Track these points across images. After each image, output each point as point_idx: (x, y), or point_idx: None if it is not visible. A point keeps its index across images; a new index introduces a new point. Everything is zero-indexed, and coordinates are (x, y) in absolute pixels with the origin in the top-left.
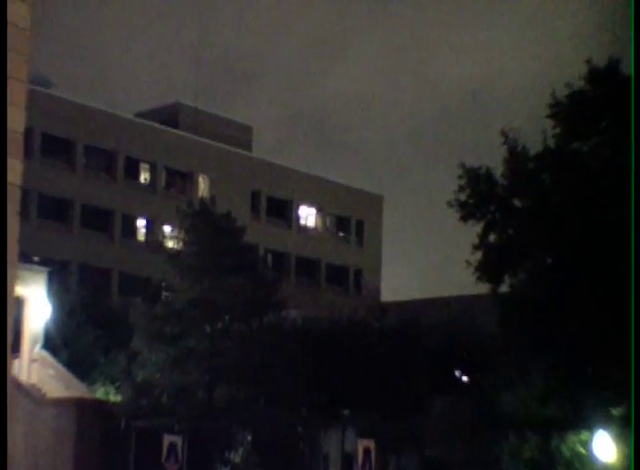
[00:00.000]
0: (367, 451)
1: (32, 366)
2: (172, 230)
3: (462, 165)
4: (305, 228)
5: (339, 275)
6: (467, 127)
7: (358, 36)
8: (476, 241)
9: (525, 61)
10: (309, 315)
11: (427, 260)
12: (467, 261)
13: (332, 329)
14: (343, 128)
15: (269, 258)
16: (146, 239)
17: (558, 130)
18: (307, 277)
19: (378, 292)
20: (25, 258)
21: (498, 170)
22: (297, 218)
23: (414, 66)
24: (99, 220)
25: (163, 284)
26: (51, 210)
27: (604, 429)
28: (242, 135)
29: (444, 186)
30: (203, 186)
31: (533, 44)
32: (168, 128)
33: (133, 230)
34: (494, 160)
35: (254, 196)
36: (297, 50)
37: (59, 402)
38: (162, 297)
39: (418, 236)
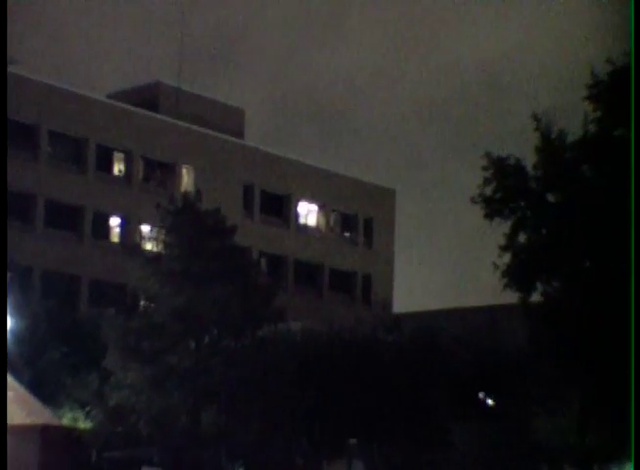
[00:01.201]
0: None
1: None
2: (151, 230)
3: (487, 155)
4: (306, 228)
5: (344, 282)
6: (488, 111)
7: (357, 5)
8: (503, 242)
9: (554, 34)
10: (310, 329)
11: (446, 265)
12: (494, 265)
13: (336, 345)
14: (346, 112)
15: (264, 262)
16: (120, 240)
17: (599, 114)
18: (308, 284)
19: (390, 301)
20: None
21: (529, 161)
22: (297, 216)
23: (424, 39)
24: (66, 219)
25: (141, 293)
26: (10, 206)
27: None
28: (232, 120)
29: (466, 179)
30: (187, 179)
31: (563, 15)
32: (147, 112)
33: (106, 230)
34: (523, 148)
35: (247, 190)
36: (289, 21)
37: (20, 430)
38: (140, 307)
39: (436, 236)
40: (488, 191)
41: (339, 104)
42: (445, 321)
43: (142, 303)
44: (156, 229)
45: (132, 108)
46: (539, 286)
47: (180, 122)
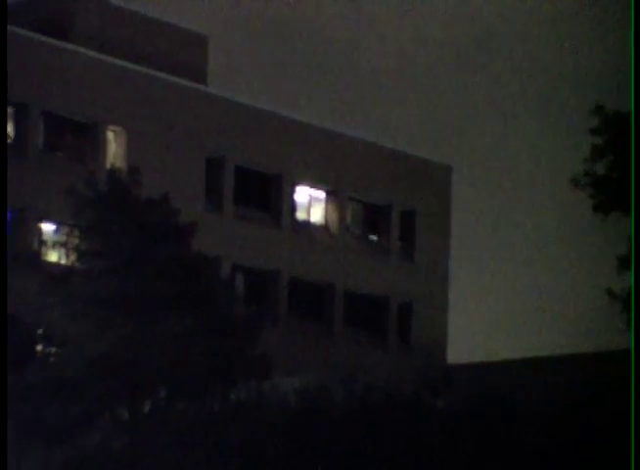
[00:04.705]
0: None
1: None
2: (58, 230)
3: (599, 110)
4: (307, 227)
5: (369, 313)
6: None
7: None
8: (624, 251)
9: None
10: (313, 388)
11: (530, 287)
12: (608, 293)
13: (355, 416)
14: (351, 52)
15: (240, 280)
16: (8, 247)
17: None
18: (311, 317)
19: (441, 344)
20: None
21: None
22: (292, 208)
23: None
24: None
25: (41, 331)
26: None
27: None
28: (189, 54)
29: (560, 147)
30: (115, 148)
31: None
32: (51, 39)
33: None
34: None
35: (213, 167)
36: None
37: None
38: (39, 354)
39: (515, 240)
40: (601, 168)
41: (337, 38)
42: (527, 377)
43: (42, 347)
44: (65, 229)
45: (26, 33)
46: None
47: (105, 57)
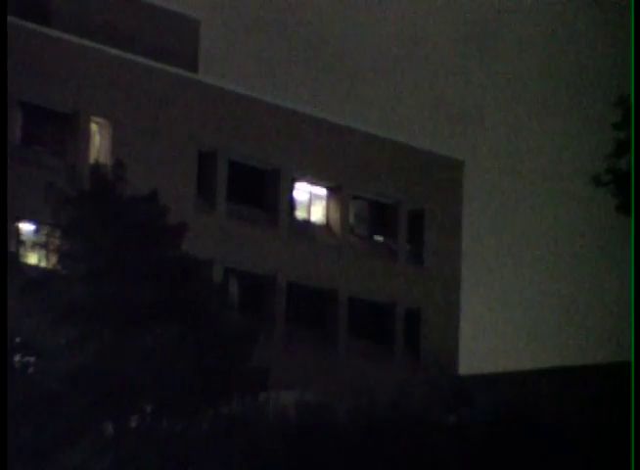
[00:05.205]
0: None
1: None
2: (37, 231)
3: (622, 101)
4: (307, 227)
5: (374, 320)
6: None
7: None
8: None
9: None
10: (313, 401)
11: (546, 290)
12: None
13: (358, 430)
14: (356, 36)
15: (234, 286)
16: None
17: None
18: (311, 325)
19: (453, 356)
20: None
21: None
22: (291, 206)
23: None
24: None
25: (17, 340)
26: None
27: None
28: (179, 39)
29: (581, 142)
30: (98, 141)
31: None
32: (29, 24)
33: None
34: None
35: (205, 161)
36: None
37: None
38: (15, 365)
39: (533, 241)
40: (625, 165)
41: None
42: (551, 390)
43: (18, 359)
44: (45, 229)
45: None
46: None
47: (87, 42)
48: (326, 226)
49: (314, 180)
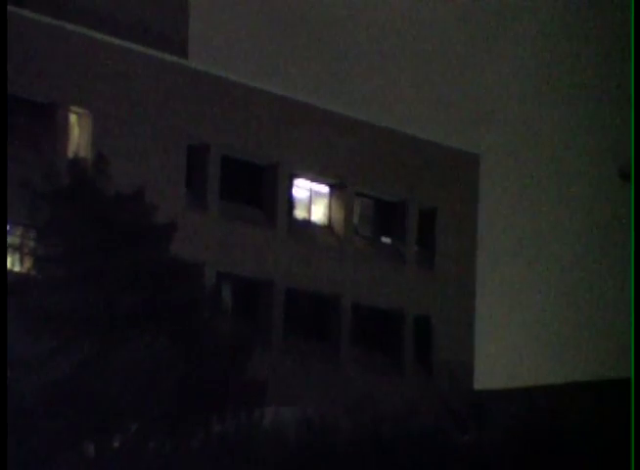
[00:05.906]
0: None
1: None
2: (10, 232)
3: None
4: (307, 227)
5: (380, 329)
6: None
7: None
8: None
9: None
10: (315, 417)
11: (567, 300)
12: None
13: (363, 448)
14: (362, 21)
15: (228, 292)
16: None
17: None
18: (311, 335)
19: (468, 368)
20: None
21: None
22: (290, 205)
23: None
24: None
25: None
26: None
27: None
28: (166, 20)
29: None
30: (78, 133)
31: None
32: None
33: None
34: None
35: (195, 155)
36: None
37: None
38: None
39: (556, 242)
40: None
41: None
42: (574, 406)
43: None
44: (19, 229)
45: None
46: None
47: (66, 25)
48: (328, 227)
49: (315, 176)
